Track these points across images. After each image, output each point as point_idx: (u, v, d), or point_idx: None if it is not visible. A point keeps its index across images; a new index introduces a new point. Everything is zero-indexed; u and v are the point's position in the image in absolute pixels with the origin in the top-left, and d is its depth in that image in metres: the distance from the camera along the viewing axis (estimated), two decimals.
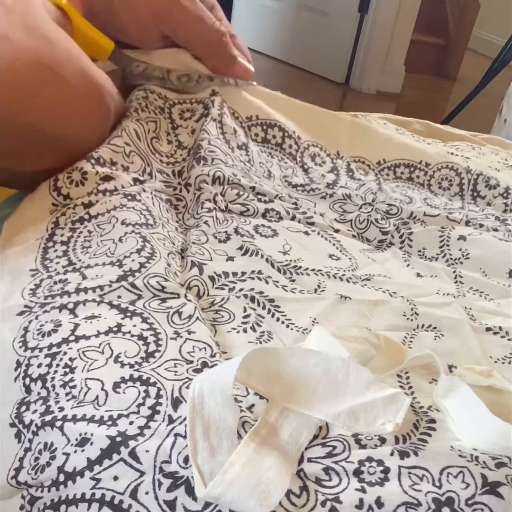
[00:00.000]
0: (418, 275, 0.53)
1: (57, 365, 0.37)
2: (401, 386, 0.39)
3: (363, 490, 0.30)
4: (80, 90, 0.53)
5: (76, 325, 0.39)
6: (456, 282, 0.53)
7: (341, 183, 0.66)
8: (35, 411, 0.35)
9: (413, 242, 0.57)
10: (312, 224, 0.56)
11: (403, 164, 0.70)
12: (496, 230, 0.59)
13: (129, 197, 0.52)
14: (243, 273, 0.48)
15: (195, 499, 0.29)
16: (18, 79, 0.48)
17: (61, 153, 0.55)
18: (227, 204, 0.56)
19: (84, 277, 0.43)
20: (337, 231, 0.57)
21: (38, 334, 0.39)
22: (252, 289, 0.46)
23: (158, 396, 0.34)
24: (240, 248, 0.51)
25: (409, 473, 0.31)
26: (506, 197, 0.67)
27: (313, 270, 0.50)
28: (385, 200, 0.61)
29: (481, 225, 0.60)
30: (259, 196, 0.58)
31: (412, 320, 0.46)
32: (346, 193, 0.63)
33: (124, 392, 0.35)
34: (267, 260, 0.49)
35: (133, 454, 0.31)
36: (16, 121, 0.49)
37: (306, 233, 0.55)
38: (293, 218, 0.56)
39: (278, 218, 0.55)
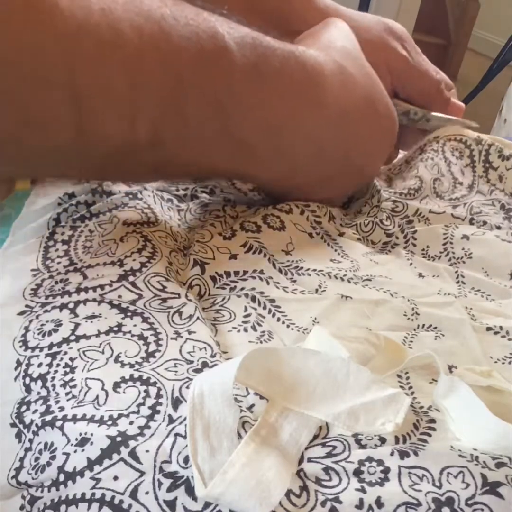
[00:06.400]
0: (420, 275, 0.53)
1: (58, 365, 0.37)
2: (401, 386, 0.39)
3: (363, 490, 0.30)
4: (386, 123, 0.59)
5: (77, 325, 0.39)
6: (457, 282, 0.53)
7: None
8: (35, 411, 0.35)
9: (417, 241, 0.57)
10: (319, 223, 0.56)
11: None
12: (499, 228, 0.59)
13: (130, 196, 0.52)
14: (245, 272, 0.48)
15: (195, 499, 0.29)
16: (354, 111, 0.54)
17: (354, 183, 0.61)
18: (238, 213, 0.56)
19: (85, 277, 0.43)
20: (342, 234, 0.57)
21: (38, 334, 0.39)
22: (253, 289, 0.46)
23: (158, 396, 0.34)
24: (244, 244, 0.51)
25: (409, 473, 0.31)
26: None
27: (314, 270, 0.49)
28: (389, 196, 0.60)
29: (484, 223, 0.59)
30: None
31: (412, 320, 0.46)
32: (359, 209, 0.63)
33: (124, 392, 0.35)
34: (269, 259, 0.49)
35: (133, 454, 0.31)
36: (338, 151, 0.55)
37: (311, 235, 0.55)
38: (301, 212, 0.55)
39: (288, 209, 0.55)
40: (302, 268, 0.50)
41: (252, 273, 0.48)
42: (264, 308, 0.45)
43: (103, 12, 0.37)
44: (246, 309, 0.44)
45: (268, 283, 0.47)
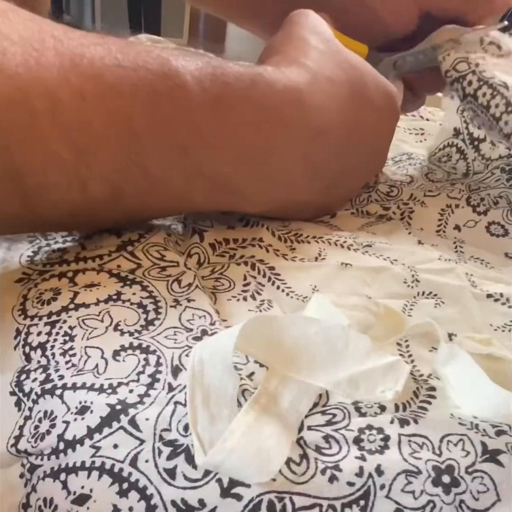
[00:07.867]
0: (420, 242, 0.52)
1: (57, 333, 0.37)
2: (401, 354, 0.38)
3: (363, 458, 0.30)
4: (383, 108, 0.54)
5: (76, 293, 0.39)
6: (456, 251, 0.53)
7: None
8: (35, 379, 0.35)
9: (412, 221, 0.56)
10: None
11: None
12: (496, 203, 0.58)
13: None
14: (244, 240, 0.48)
15: (195, 467, 0.29)
16: (343, 115, 0.50)
17: (363, 181, 0.59)
18: None
19: (83, 248, 0.43)
20: (334, 215, 0.56)
21: (37, 302, 0.39)
22: (252, 256, 0.46)
23: (158, 364, 0.34)
24: (241, 219, 0.50)
25: (409, 441, 0.31)
26: None
27: (314, 237, 0.49)
28: (386, 180, 0.60)
29: (482, 200, 0.58)
30: None
31: (412, 287, 0.46)
32: None
33: (123, 360, 0.35)
34: (267, 228, 0.49)
35: (133, 422, 0.31)
36: (335, 161, 0.51)
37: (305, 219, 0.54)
38: None
39: None
40: (301, 235, 0.50)
41: (251, 240, 0.48)
42: (264, 276, 0.44)
43: (34, 81, 0.35)
44: (245, 278, 0.44)
45: (267, 250, 0.47)
